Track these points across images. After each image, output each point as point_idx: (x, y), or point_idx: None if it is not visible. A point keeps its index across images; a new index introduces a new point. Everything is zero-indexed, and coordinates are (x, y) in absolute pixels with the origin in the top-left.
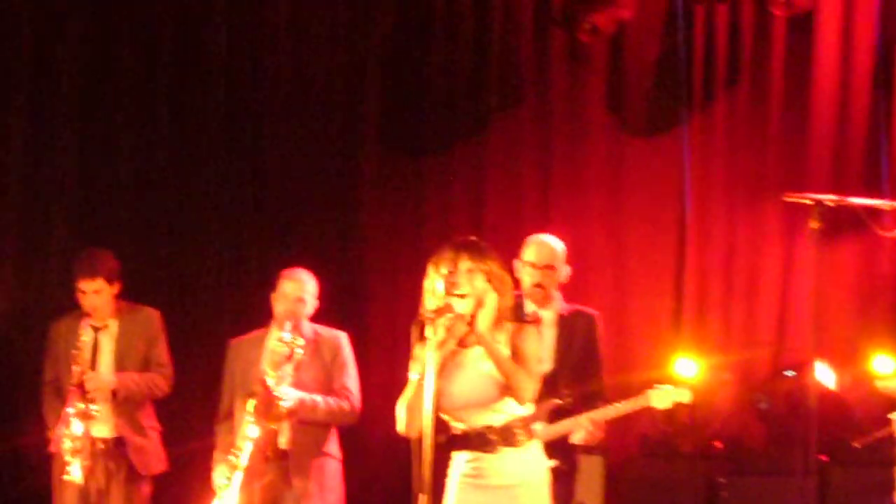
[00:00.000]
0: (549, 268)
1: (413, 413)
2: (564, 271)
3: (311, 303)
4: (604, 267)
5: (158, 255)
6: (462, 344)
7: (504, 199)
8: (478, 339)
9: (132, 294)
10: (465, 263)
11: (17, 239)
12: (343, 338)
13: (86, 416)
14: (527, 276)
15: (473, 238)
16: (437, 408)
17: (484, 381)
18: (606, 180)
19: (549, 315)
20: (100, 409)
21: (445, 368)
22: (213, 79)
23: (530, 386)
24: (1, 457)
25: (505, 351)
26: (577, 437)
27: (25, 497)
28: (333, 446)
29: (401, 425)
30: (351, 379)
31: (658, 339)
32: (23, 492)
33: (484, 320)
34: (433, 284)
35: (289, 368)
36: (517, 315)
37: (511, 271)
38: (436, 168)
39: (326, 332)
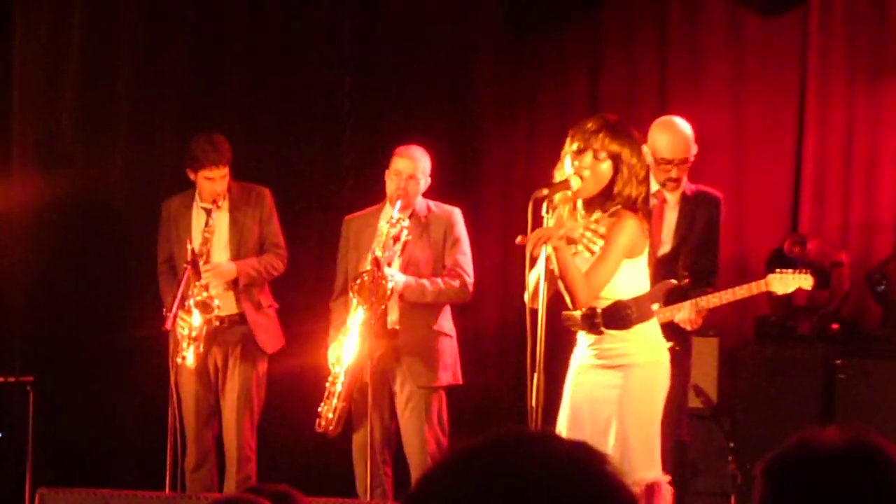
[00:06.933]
0: (684, 161)
1: (535, 289)
2: (693, 153)
3: (423, 180)
4: (721, 147)
5: (266, 133)
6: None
7: (619, 79)
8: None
9: (242, 172)
10: (596, 142)
11: (129, 118)
12: (456, 213)
13: (207, 308)
14: (661, 173)
15: (614, 117)
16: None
17: (585, 265)
18: (724, 60)
19: (672, 197)
20: (220, 302)
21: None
22: None
23: (582, 294)
24: (117, 336)
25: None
26: (679, 317)
27: (143, 375)
28: (446, 323)
29: (528, 298)
30: (463, 255)
31: (775, 219)
32: (139, 370)
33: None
34: (565, 156)
35: (397, 248)
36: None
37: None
38: (550, 47)
39: (439, 208)
